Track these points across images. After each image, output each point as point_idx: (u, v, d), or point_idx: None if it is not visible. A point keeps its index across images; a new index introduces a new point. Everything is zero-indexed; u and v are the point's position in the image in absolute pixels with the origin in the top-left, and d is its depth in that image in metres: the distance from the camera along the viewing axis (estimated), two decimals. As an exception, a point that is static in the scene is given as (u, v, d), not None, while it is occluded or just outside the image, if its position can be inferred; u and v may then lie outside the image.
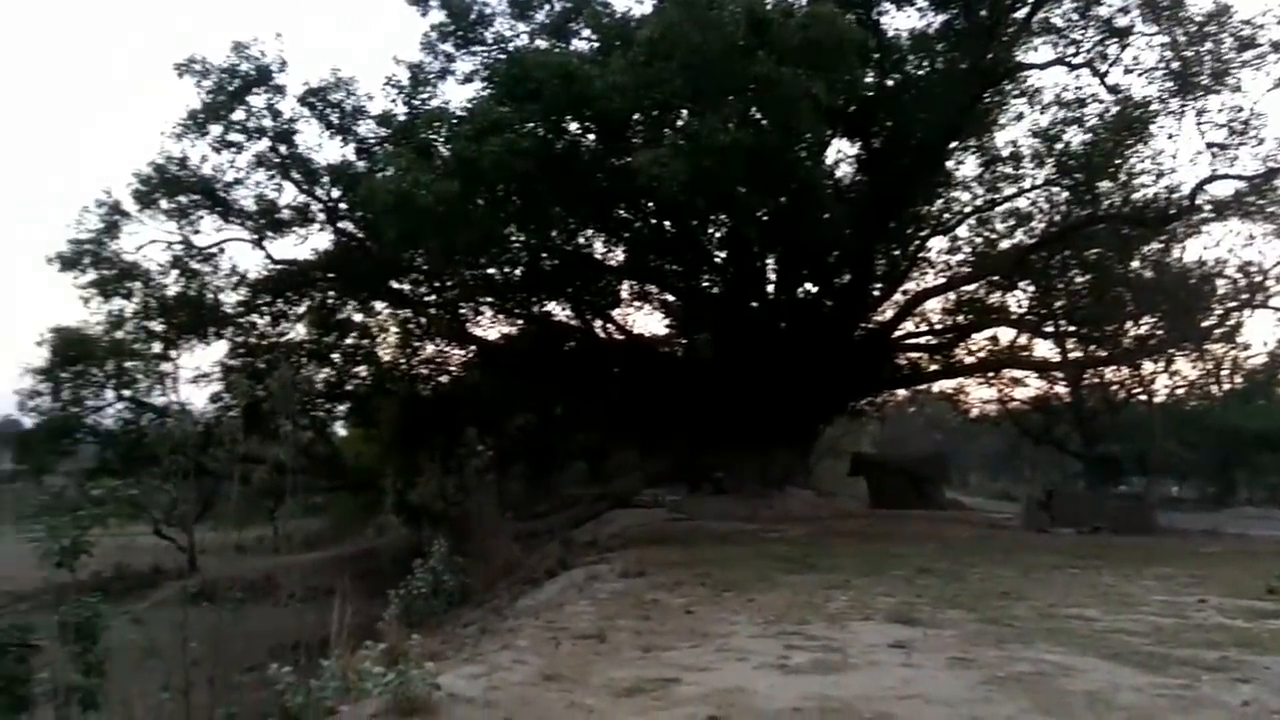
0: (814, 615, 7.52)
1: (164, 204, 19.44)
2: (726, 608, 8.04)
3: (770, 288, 21.87)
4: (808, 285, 22.31)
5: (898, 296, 23.03)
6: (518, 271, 21.08)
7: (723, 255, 21.72)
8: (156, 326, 21.27)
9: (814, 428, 24.30)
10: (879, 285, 22.39)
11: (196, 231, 20.42)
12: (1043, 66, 19.66)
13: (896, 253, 22.45)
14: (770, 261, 21.62)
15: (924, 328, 24.99)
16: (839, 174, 21.23)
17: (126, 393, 22.04)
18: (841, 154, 21.28)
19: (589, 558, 12.86)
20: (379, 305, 23.39)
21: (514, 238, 18.06)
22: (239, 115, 18.53)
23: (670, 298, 23.88)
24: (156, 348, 21.57)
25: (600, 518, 18.83)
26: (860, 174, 21.16)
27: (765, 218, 17.54)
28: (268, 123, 18.81)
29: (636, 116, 14.73)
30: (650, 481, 22.03)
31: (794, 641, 6.41)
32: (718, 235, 20.85)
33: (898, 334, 23.93)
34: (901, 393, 33.48)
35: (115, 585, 21.59)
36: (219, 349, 22.36)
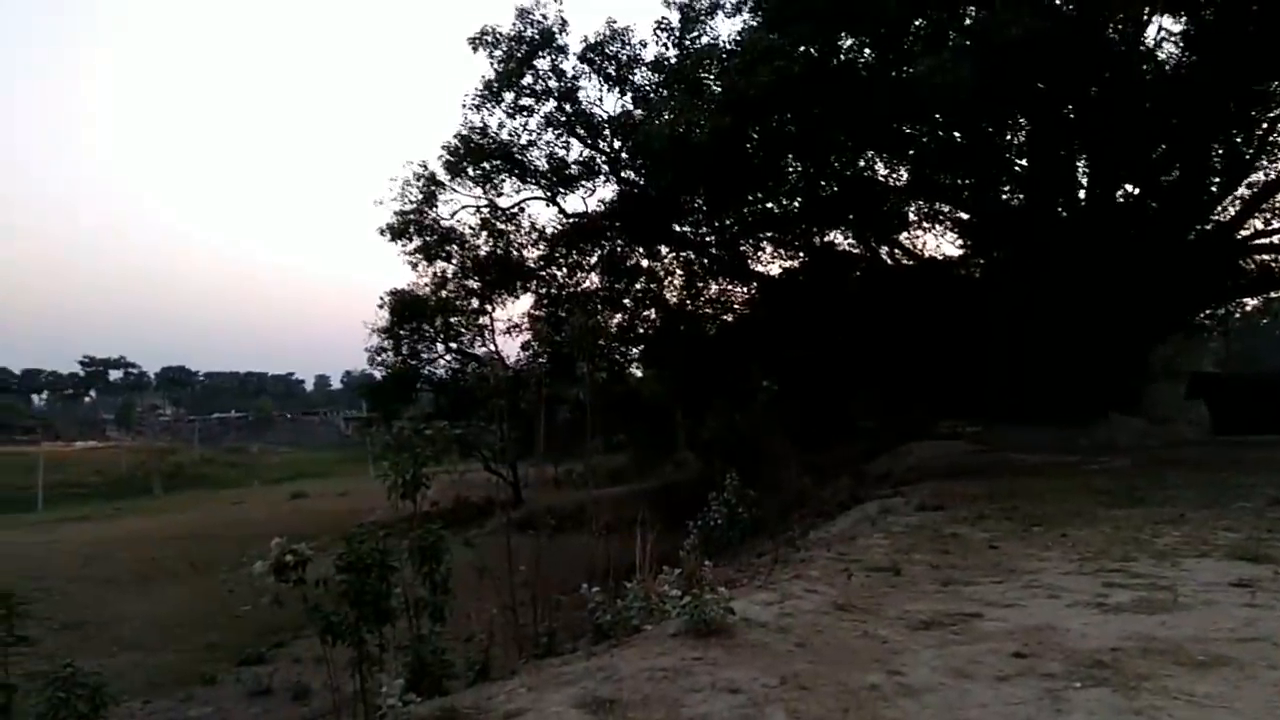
0: (1139, 552, 6.80)
1: (471, 171, 21.38)
2: (1035, 544, 7.50)
3: (1081, 194, 19.67)
4: (1127, 187, 19.77)
5: (1242, 190, 19.77)
6: (796, 203, 20.69)
7: (1023, 163, 19.82)
8: (473, 284, 23.58)
9: (1142, 347, 21.66)
10: (1217, 179, 19.32)
11: (500, 194, 22.31)
12: None
13: (1239, 139, 19.17)
14: (1080, 164, 19.40)
15: (1277, 224, 21.30)
16: (1161, 56, 18.46)
17: (453, 345, 24.82)
18: (1164, 33, 18.47)
19: (882, 491, 12.54)
20: (663, 249, 24.10)
21: (791, 168, 17.71)
22: (528, 80, 19.79)
23: (964, 215, 22.30)
24: (474, 303, 23.99)
25: (895, 450, 18.26)
26: (1188, 53, 18.24)
27: (1072, 115, 15.69)
28: (553, 84, 19.93)
29: (917, 22, 13.72)
30: (948, 412, 20.97)
31: (1114, 579, 5.85)
32: (1016, 141, 19.03)
33: (1243, 233, 20.60)
34: (1250, 302, 28.88)
35: (455, 515, 24.53)
36: (525, 301, 24.39)
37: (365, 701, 5.95)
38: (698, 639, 4.73)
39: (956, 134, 18.30)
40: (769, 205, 20.63)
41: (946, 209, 22.29)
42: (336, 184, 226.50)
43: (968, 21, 13.34)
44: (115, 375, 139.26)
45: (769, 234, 22.61)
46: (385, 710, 4.18)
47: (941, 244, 24.58)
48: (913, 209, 22.41)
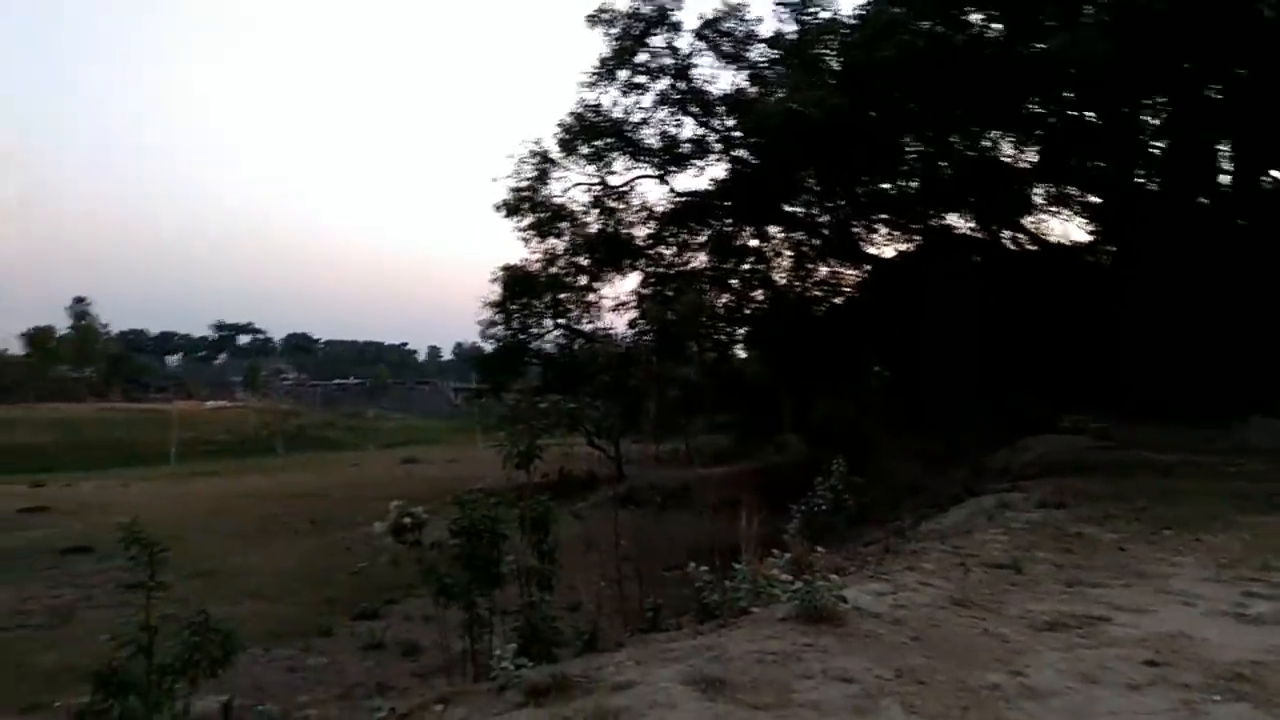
0: (1281, 561, 6.36)
1: (583, 149, 21.55)
2: (1166, 547, 7.10)
3: (1223, 179, 18.41)
4: (1274, 173, 18.42)
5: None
6: (914, 184, 20.05)
7: (1160, 145, 18.66)
8: (583, 261, 23.84)
9: (1288, 345, 20.23)
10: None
11: (611, 172, 22.43)
12: None
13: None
14: (1224, 148, 18.15)
15: None
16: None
17: (561, 321, 25.21)
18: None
19: (999, 485, 12.09)
20: (773, 229, 23.78)
21: (909, 148, 17.17)
22: (642, 58, 19.79)
23: (1094, 199, 21.17)
24: (583, 280, 24.25)
25: (1013, 444, 17.58)
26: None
27: (1219, 95, 14.68)
28: (667, 61, 19.86)
29: (1051, -6, 13.06)
30: (1070, 405, 20.02)
31: (1253, 589, 5.49)
32: (1154, 121, 17.92)
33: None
34: None
35: (558, 487, 24.97)
36: (633, 279, 24.51)
37: (475, 661, 6.14)
38: (808, 625, 4.67)
39: (1089, 113, 17.35)
40: (885, 186, 20.07)
41: (1075, 192, 21.19)
42: (453, 161, 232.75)
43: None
44: (244, 340, 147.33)
45: (883, 215, 22.00)
46: (498, 672, 4.29)
47: (1069, 228, 23.29)
48: (1039, 191, 21.39)
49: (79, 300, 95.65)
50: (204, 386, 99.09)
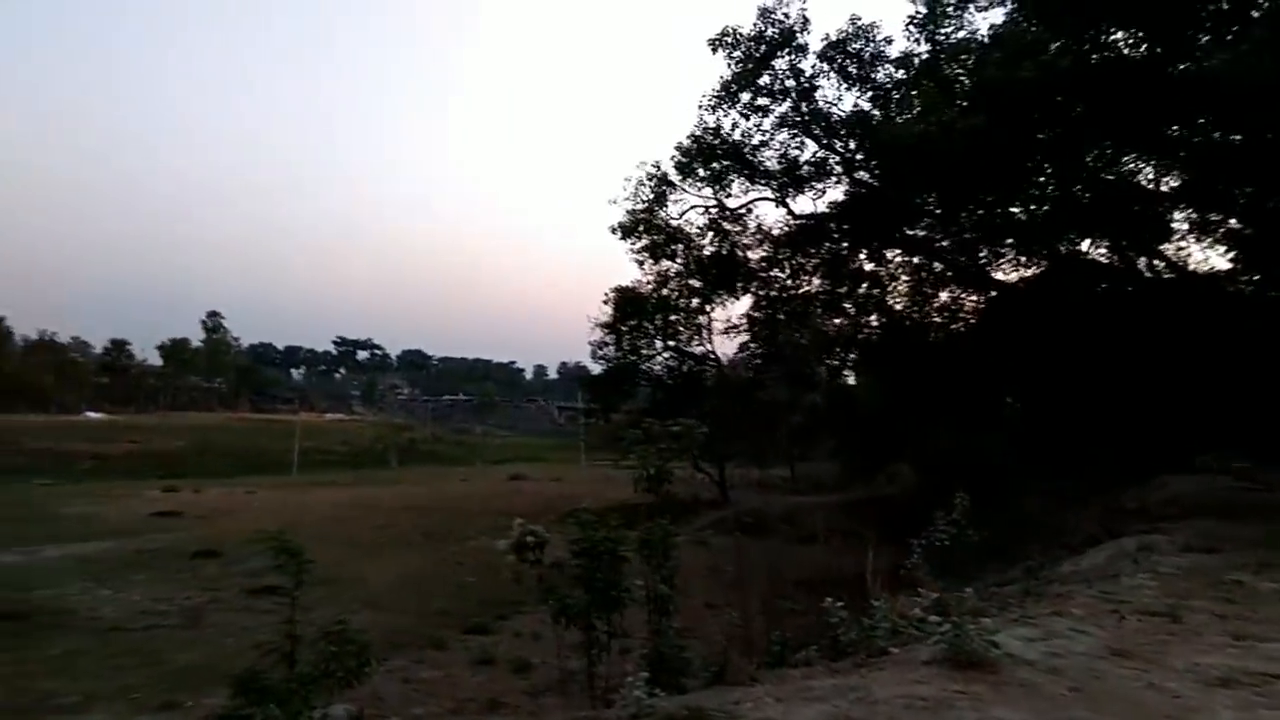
0: None
1: (701, 171, 21.59)
2: (1338, 599, 6.49)
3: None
4: None
5: None
6: (1044, 208, 19.21)
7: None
8: (695, 283, 23.84)
9: None
10: None
11: (728, 194, 22.37)
12: None
13: None
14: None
15: None
16: None
17: (671, 343, 25.24)
18: None
19: (1139, 526, 11.35)
20: (890, 253, 23.22)
21: (1042, 171, 16.47)
22: (765, 80, 19.65)
23: (1238, 225, 19.83)
24: (695, 302, 24.23)
25: (1146, 482, 16.53)
26: None
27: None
28: (790, 83, 19.66)
29: (1206, 10, 12.31)
30: (1207, 443, 18.71)
31: None
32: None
33: None
34: None
35: (661, 510, 24.85)
36: (745, 302, 24.33)
37: (592, 684, 6.06)
38: (955, 670, 4.41)
39: (1236, 135, 16.28)
40: (1014, 210, 19.29)
41: (1218, 217, 19.92)
42: (564, 185, 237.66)
43: (1264, 6, 11.74)
44: (363, 355, 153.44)
45: (1010, 240, 21.15)
46: (629, 700, 4.18)
47: (1210, 256, 21.88)
48: (1179, 217, 20.20)
49: (212, 314, 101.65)
50: (324, 399, 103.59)
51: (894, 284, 24.09)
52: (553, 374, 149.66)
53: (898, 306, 24.14)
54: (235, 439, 60.28)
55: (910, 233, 21.44)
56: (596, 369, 28.86)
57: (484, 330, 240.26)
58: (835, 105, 19.94)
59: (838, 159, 20.62)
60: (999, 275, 22.46)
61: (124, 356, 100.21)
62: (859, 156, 19.67)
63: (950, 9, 17.35)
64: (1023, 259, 22.01)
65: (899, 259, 23.36)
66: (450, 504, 29.95)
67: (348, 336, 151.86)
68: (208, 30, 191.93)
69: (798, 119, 20.12)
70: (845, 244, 22.77)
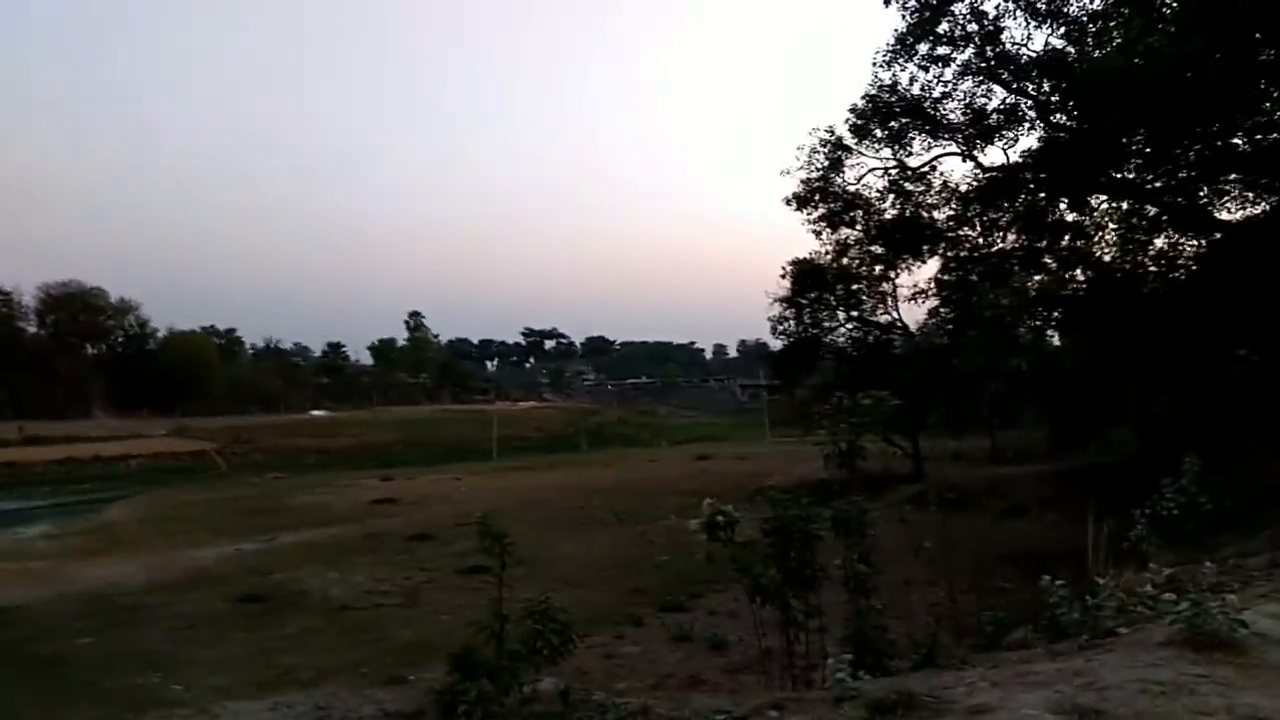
0: None
1: (878, 132, 20.71)
2: None
3: None
4: None
5: None
6: (1272, 135, 17.02)
7: None
8: (876, 250, 22.96)
9: None
10: None
11: (909, 153, 21.37)
12: None
13: None
14: None
15: None
16: None
17: (854, 313, 24.49)
18: None
19: None
20: (1095, 200, 21.38)
21: (1269, 95, 14.61)
22: (944, 27, 18.52)
23: None
24: (877, 270, 23.36)
25: None
26: None
27: None
28: (972, 27, 18.42)
29: None
30: None
31: None
32: None
33: None
34: None
35: (852, 485, 24.20)
36: (932, 265, 23.20)
37: (791, 663, 5.93)
38: (1196, 652, 3.93)
39: None
40: (1235, 141, 17.22)
41: None
42: (733, 160, 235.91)
43: None
44: (549, 344, 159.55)
45: (1233, 175, 18.92)
46: (832, 683, 4.03)
47: None
48: None
49: (414, 314, 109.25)
50: (516, 388, 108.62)
51: (1100, 234, 22.24)
52: (733, 352, 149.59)
53: (1106, 258, 22.25)
54: (440, 430, 64.36)
55: (1117, 176, 19.61)
56: (777, 345, 28.51)
57: (663, 313, 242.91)
58: (1024, 46, 18.47)
59: (1030, 103, 19.11)
60: (1223, 215, 20.18)
61: (339, 358, 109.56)
62: (1054, 99, 18.14)
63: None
64: (1249, 195, 19.65)
65: (1105, 206, 21.49)
66: (639, 485, 30.64)
67: (534, 327, 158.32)
68: (365, 43, 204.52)
69: (983, 65, 18.79)
70: (1043, 194, 21.15)
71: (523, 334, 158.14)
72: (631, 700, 7.67)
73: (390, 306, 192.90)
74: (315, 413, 73.47)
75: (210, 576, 16.15)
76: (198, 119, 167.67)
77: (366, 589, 14.70)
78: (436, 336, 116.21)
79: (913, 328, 26.27)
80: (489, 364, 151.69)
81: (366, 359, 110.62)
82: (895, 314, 26.40)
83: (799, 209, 22.99)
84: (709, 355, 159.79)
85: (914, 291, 24.30)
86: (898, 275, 24.81)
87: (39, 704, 9.02)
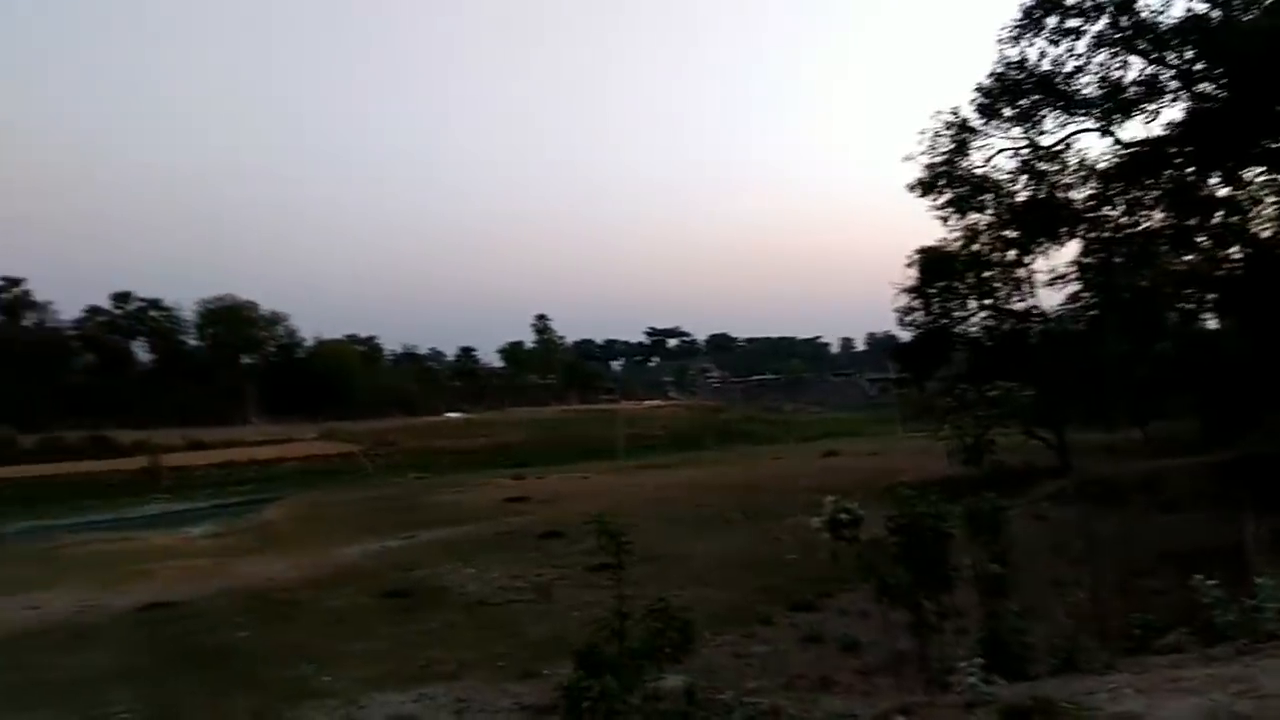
0: None
1: (1006, 111, 19.92)
2: None
3: None
4: None
5: None
6: None
7: None
8: (1010, 234, 22.04)
9: None
10: None
11: (1041, 132, 20.48)
12: None
13: None
14: None
15: None
16: None
17: (987, 301, 23.54)
18: None
19: None
20: (1249, 173, 19.85)
21: None
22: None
23: None
24: (1011, 255, 22.39)
25: None
26: None
27: None
28: (1104, -2, 17.48)
29: None
30: None
31: None
32: None
33: None
34: None
35: (992, 481, 23.25)
36: (1071, 248, 22.08)
37: (925, 666, 5.78)
38: (1371, 660, 3.65)
39: None
40: None
41: None
42: (853, 149, 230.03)
43: None
44: (673, 343, 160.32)
45: None
46: (964, 687, 3.94)
47: None
48: None
49: (540, 317, 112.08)
50: (641, 387, 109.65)
51: (1257, 208, 20.62)
52: (860, 345, 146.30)
53: (1265, 234, 20.61)
54: (568, 429, 65.65)
55: (1274, 146, 18.17)
56: (905, 336, 27.75)
57: (787, 308, 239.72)
58: (1162, 13, 17.36)
59: (1171, 73, 17.93)
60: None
61: (471, 361, 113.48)
62: (1198, 67, 16.94)
63: None
64: None
65: (1262, 178, 19.93)
66: (766, 482, 30.33)
67: (658, 326, 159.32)
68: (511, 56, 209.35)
69: (1117, 35, 17.74)
70: (1191, 169, 19.80)
71: (646, 333, 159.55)
72: (762, 700, 7.69)
73: (518, 310, 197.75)
74: (451, 415, 76.21)
75: (357, 573, 17.03)
76: (342, 135, 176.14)
77: (501, 585, 15.17)
78: (562, 338, 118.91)
79: (1051, 314, 25.13)
80: (614, 364, 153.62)
81: (497, 362, 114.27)
82: (1032, 300, 25.28)
83: (923, 195, 22.35)
84: (835, 349, 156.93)
85: (1052, 276, 23.22)
86: (1033, 260, 23.77)
87: (203, 692, 9.76)
